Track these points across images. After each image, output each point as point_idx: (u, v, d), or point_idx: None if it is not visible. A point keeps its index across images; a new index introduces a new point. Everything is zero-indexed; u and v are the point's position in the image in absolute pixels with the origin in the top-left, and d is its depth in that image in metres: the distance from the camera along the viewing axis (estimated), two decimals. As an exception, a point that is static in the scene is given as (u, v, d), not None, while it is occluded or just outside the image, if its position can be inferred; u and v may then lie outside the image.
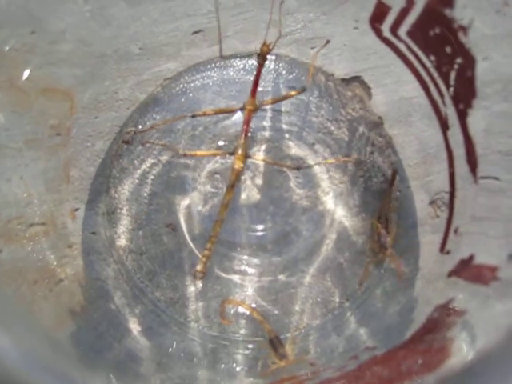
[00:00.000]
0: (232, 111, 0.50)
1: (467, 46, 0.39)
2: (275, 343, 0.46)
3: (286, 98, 0.50)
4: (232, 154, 0.48)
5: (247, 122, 0.48)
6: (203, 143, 0.51)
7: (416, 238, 0.49)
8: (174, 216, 0.50)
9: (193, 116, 0.49)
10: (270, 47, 0.46)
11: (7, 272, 0.39)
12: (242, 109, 0.48)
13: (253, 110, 0.48)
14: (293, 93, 0.49)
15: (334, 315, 0.49)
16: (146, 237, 0.49)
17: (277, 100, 0.50)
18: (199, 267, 0.47)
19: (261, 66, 0.47)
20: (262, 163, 0.50)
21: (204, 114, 0.49)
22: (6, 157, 0.43)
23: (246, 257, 0.50)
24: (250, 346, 0.48)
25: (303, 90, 0.49)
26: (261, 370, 0.46)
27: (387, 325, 0.46)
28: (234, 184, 0.47)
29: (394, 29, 0.44)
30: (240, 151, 0.47)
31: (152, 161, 0.50)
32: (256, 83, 0.47)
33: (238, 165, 0.47)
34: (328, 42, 0.50)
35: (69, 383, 0.30)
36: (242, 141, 0.48)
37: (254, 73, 0.47)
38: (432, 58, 0.43)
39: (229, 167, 0.50)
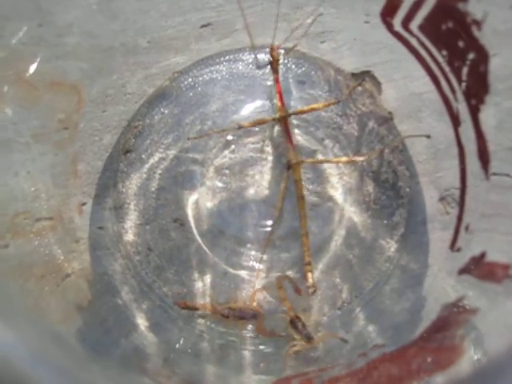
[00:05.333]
0: (265, 122, 0.49)
1: (480, 40, 0.38)
2: (297, 323, 0.46)
3: (317, 108, 0.50)
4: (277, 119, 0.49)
5: (288, 130, 0.48)
6: (212, 137, 0.50)
7: (425, 234, 0.48)
8: (182, 211, 0.50)
9: (239, 127, 0.49)
10: (279, 50, 0.46)
11: (14, 267, 0.39)
12: (274, 119, 0.49)
13: (287, 116, 0.48)
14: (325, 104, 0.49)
15: (342, 312, 0.48)
16: (153, 232, 0.49)
17: (309, 110, 0.50)
18: (310, 282, 0.47)
19: (277, 72, 0.47)
20: (270, 158, 0.50)
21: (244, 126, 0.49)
22: (13, 151, 0.43)
23: (254, 252, 0.49)
24: (258, 341, 0.48)
25: (338, 101, 0.49)
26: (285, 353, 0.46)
27: (396, 322, 0.45)
28: (302, 195, 0.48)
29: (406, 23, 0.43)
30: (295, 160, 0.48)
31: (160, 155, 0.50)
32: (279, 91, 0.48)
33: (297, 175, 0.48)
34: None
35: (75, 379, 0.30)
36: (292, 150, 0.48)
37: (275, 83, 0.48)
38: (444, 52, 0.42)
39: (238, 162, 0.50)
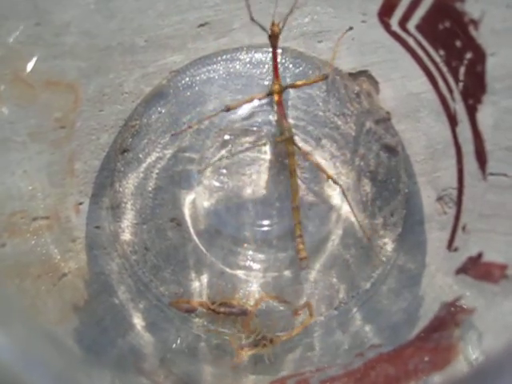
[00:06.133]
0: (261, 97, 0.49)
1: (478, 40, 0.38)
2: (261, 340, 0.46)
3: (308, 83, 0.49)
4: (270, 94, 0.48)
5: (281, 104, 0.48)
6: (209, 137, 0.50)
7: (423, 234, 0.48)
8: (179, 211, 0.50)
9: (227, 110, 0.48)
10: (280, 26, 0.45)
11: (10, 266, 0.39)
12: (269, 94, 0.48)
13: (282, 91, 0.48)
14: (316, 78, 0.49)
15: (339, 312, 0.48)
16: (150, 231, 0.49)
17: (300, 85, 0.49)
18: (302, 254, 0.47)
19: (275, 47, 0.46)
20: (267, 157, 0.50)
21: (237, 106, 0.49)
22: (9, 150, 0.43)
23: (251, 252, 0.49)
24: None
25: (325, 77, 0.49)
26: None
27: (393, 322, 0.45)
28: (294, 168, 0.47)
29: (403, 22, 0.43)
30: (287, 134, 0.48)
31: (157, 155, 0.50)
32: (276, 64, 0.47)
33: (291, 148, 0.48)
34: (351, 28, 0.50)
35: (71, 380, 0.30)
36: (285, 124, 0.48)
37: (272, 56, 0.47)
38: (441, 52, 0.42)
39: (235, 162, 0.50)
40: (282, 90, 0.48)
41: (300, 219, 0.47)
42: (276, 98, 0.48)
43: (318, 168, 0.49)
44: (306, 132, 0.50)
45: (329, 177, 0.48)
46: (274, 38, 0.46)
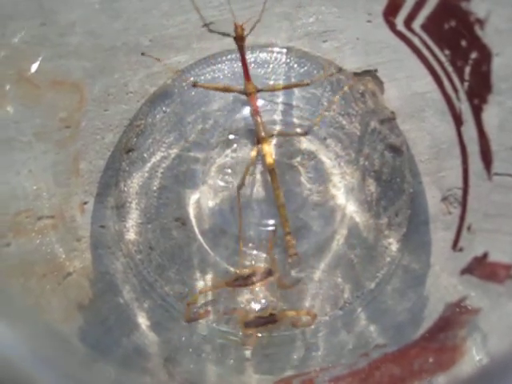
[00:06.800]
0: (233, 91, 0.49)
1: (483, 39, 0.38)
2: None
3: (288, 87, 0.50)
4: (244, 93, 0.48)
5: (255, 104, 0.48)
6: (213, 137, 0.50)
7: (427, 234, 0.48)
8: (184, 210, 0.50)
9: (194, 85, 0.49)
10: (244, 27, 0.46)
11: (15, 265, 0.39)
12: (244, 93, 0.49)
13: (255, 92, 0.48)
14: (297, 83, 0.50)
15: (344, 311, 0.48)
16: (155, 231, 0.49)
17: (280, 88, 0.50)
18: (292, 251, 0.47)
19: (241, 48, 0.47)
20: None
21: (206, 87, 0.49)
22: (15, 150, 0.43)
23: (255, 252, 0.49)
24: (259, 341, 0.48)
25: (307, 83, 0.49)
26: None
27: (398, 322, 0.45)
28: (273, 168, 0.47)
29: (408, 22, 0.43)
30: (263, 134, 0.48)
31: (162, 154, 0.50)
32: (245, 66, 0.48)
33: (268, 148, 0.48)
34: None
35: (76, 379, 0.30)
36: (260, 125, 0.48)
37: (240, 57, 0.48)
38: (447, 52, 0.42)
39: (240, 161, 0.50)
40: (256, 91, 0.48)
41: (287, 217, 0.47)
42: (250, 98, 0.48)
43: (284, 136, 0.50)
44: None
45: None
46: (239, 40, 0.46)
